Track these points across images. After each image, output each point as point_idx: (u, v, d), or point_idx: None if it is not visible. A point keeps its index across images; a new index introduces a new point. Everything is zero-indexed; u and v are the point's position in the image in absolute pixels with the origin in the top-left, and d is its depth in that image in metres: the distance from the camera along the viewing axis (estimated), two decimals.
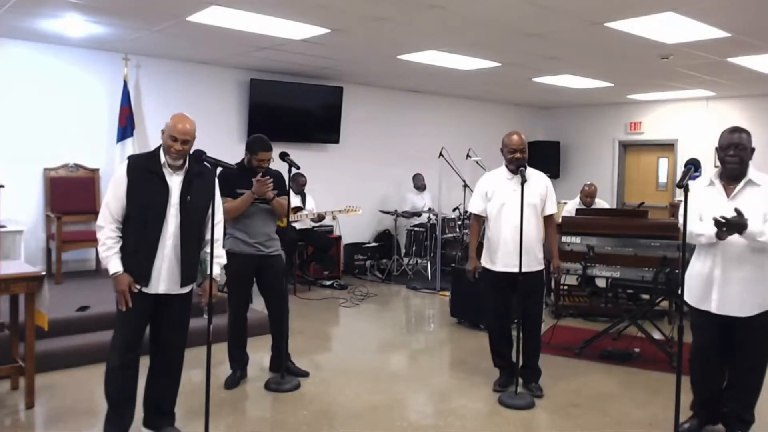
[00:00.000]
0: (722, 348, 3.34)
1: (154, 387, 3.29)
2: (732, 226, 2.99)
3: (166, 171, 3.09)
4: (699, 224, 3.22)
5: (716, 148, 3.30)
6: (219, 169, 3.14)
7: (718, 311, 3.23)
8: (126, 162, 3.12)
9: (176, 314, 3.23)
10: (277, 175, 4.25)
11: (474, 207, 4.32)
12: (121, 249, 3.06)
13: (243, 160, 4.21)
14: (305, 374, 4.41)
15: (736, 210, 3.00)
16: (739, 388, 3.39)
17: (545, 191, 4.18)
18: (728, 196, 3.22)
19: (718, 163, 3.32)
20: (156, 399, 3.30)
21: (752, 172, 3.23)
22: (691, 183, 3.32)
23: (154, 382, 3.28)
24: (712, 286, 3.22)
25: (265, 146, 4.14)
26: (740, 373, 3.37)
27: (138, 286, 3.06)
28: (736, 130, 3.23)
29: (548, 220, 4.23)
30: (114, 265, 3.03)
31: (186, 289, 3.21)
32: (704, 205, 3.25)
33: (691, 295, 3.35)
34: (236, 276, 4.26)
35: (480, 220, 4.31)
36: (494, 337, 4.32)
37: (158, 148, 3.16)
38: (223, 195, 4.12)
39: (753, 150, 3.24)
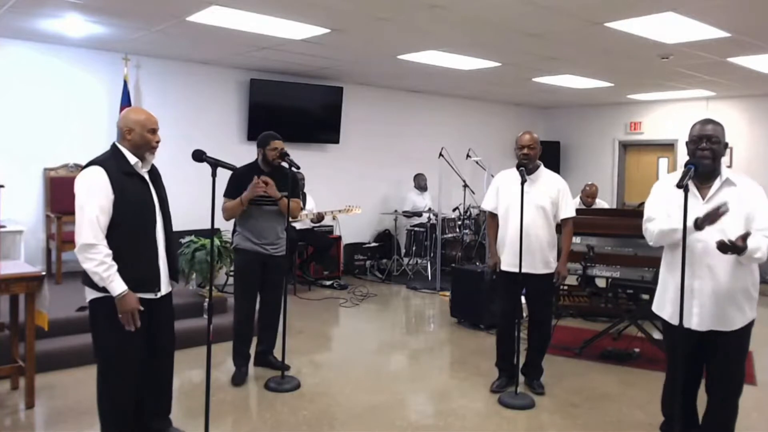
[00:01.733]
0: (698, 372, 3.02)
1: (151, 392, 3.20)
2: (737, 249, 2.65)
3: (140, 170, 2.98)
4: (669, 220, 2.90)
5: (686, 142, 2.96)
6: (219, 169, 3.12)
7: (699, 327, 2.87)
8: (100, 169, 2.84)
9: (167, 315, 3.17)
10: (291, 176, 4.28)
11: (487, 204, 4.34)
12: (116, 261, 2.82)
13: (256, 159, 4.29)
14: (287, 368, 4.39)
15: (743, 235, 2.66)
16: (718, 411, 3.01)
17: (557, 194, 4.10)
18: (703, 198, 2.89)
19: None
20: (154, 404, 3.23)
21: (727, 171, 2.92)
22: (662, 180, 3.12)
23: (150, 387, 3.18)
24: (692, 300, 2.85)
25: (275, 136, 4.26)
26: (720, 395, 2.99)
27: (141, 307, 2.89)
28: (709, 121, 2.91)
29: (563, 224, 4.16)
30: (119, 284, 2.80)
31: (171, 288, 3.16)
32: (675, 208, 2.86)
33: (668, 311, 3.01)
34: (242, 272, 4.34)
35: (495, 217, 4.28)
36: (500, 336, 4.32)
37: (116, 149, 2.95)
38: (226, 194, 4.17)
39: (726, 145, 2.93)
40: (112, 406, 3.03)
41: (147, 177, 3.01)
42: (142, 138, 2.94)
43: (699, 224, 2.75)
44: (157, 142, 2.99)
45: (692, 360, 3.00)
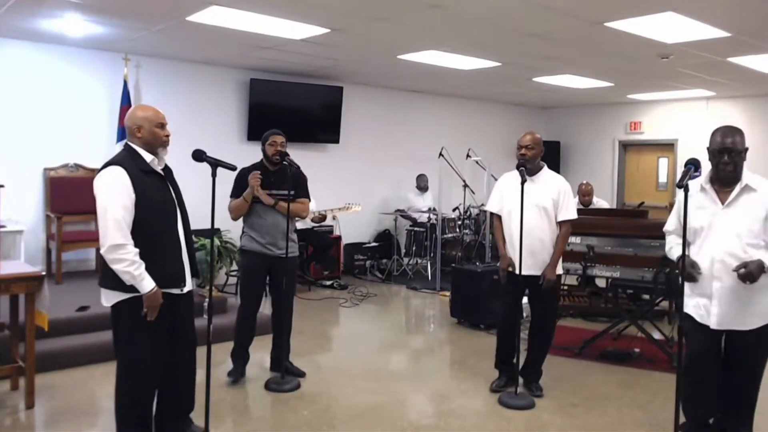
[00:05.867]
0: (716, 367, 3.10)
1: (172, 389, 3.16)
2: (753, 277, 2.78)
3: (156, 168, 2.97)
4: (677, 248, 3.08)
5: (708, 149, 3.02)
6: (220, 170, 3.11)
7: (718, 327, 2.97)
8: (120, 169, 2.83)
9: (189, 311, 3.15)
10: (296, 175, 4.26)
11: (491, 206, 4.32)
12: (142, 260, 2.81)
13: (261, 160, 4.28)
14: (302, 374, 4.41)
15: (743, 265, 2.79)
16: (736, 405, 3.13)
17: (558, 195, 4.06)
18: (723, 202, 2.96)
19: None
20: (177, 401, 3.19)
21: (747, 176, 2.97)
22: (690, 184, 3.12)
23: (173, 383, 3.14)
24: (711, 299, 2.96)
25: (275, 132, 4.26)
26: (738, 391, 3.10)
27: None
28: (729, 132, 2.96)
29: (561, 225, 4.11)
30: (149, 282, 2.79)
31: (193, 285, 3.15)
32: (696, 213, 2.98)
33: (689, 307, 3.09)
34: (248, 273, 4.31)
35: (500, 219, 4.26)
36: (500, 337, 4.30)
37: (131, 149, 2.93)
38: (232, 195, 4.15)
39: (746, 150, 2.99)
40: (132, 406, 2.98)
41: (163, 174, 3.01)
42: (151, 134, 2.93)
43: (690, 280, 2.94)
44: (167, 136, 2.98)
45: (711, 359, 3.07)
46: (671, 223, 3.30)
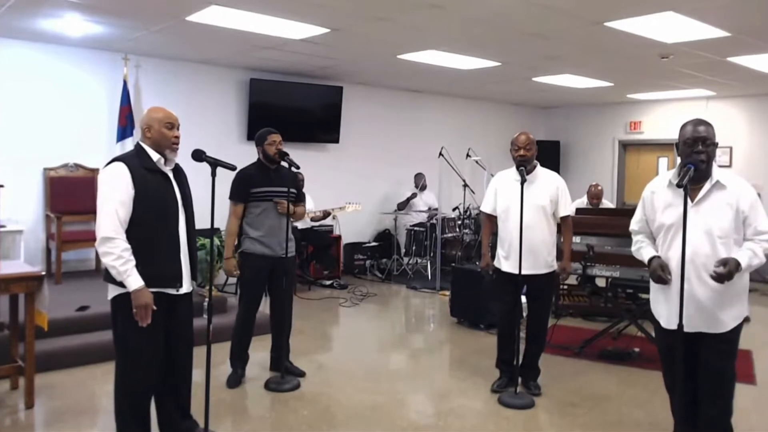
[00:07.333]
0: (692, 371, 2.96)
1: (172, 392, 3.14)
2: (731, 276, 2.67)
3: (162, 167, 2.98)
4: (645, 251, 3.04)
5: (677, 144, 2.93)
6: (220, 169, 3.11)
7: (688, 329, 2.81)
8: (122, 164, 2.86)
9: (187, 312, 3.14)
10: (292, 176, 4.25)
11: (485, 206, 4.33)
12: (137, 257, 2.81)
13: (258, 159, 4.27)
14: (302, 374, 4.41)
15: (723, 263, 2.69)
16: (711, 409, 2.98)
17: (556, 192, 4.12)
18: (693, 200, 2.83)
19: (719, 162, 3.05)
20: (176, 403, 3.17)
21: (718, 172, 2.86)
22: (652, 182, 3.12)
23: (172, 387, 3.12)
24: (683, 302, 2.80)
25: (272, 130, 4.24)
26: (711, 394, 2.95)
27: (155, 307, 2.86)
28: (701, 122, 2.86)
29: (562, 221, 4.20)
30: (136, 279, 2.78)
31: (192, 287, 3.15)
32: (664, 211, 2.91)
33: (658, 312, 3.02)
34: (250, 276, 4.28)
35: (492, 219, 4.29)
36: (501, 337, 4.31)
37: (140, 147, 2.97)
38: (236, 198, 4.14)
39: (716, 145, 2.90)
40: (131, 404, 2.98)
41: (171, 175, 3.01)
42: (160, 134, 2.95)
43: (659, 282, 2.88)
44: (176, 137, 2.98)
45: (685, 360, 2.95)
46: (636, 222, 3.16)
